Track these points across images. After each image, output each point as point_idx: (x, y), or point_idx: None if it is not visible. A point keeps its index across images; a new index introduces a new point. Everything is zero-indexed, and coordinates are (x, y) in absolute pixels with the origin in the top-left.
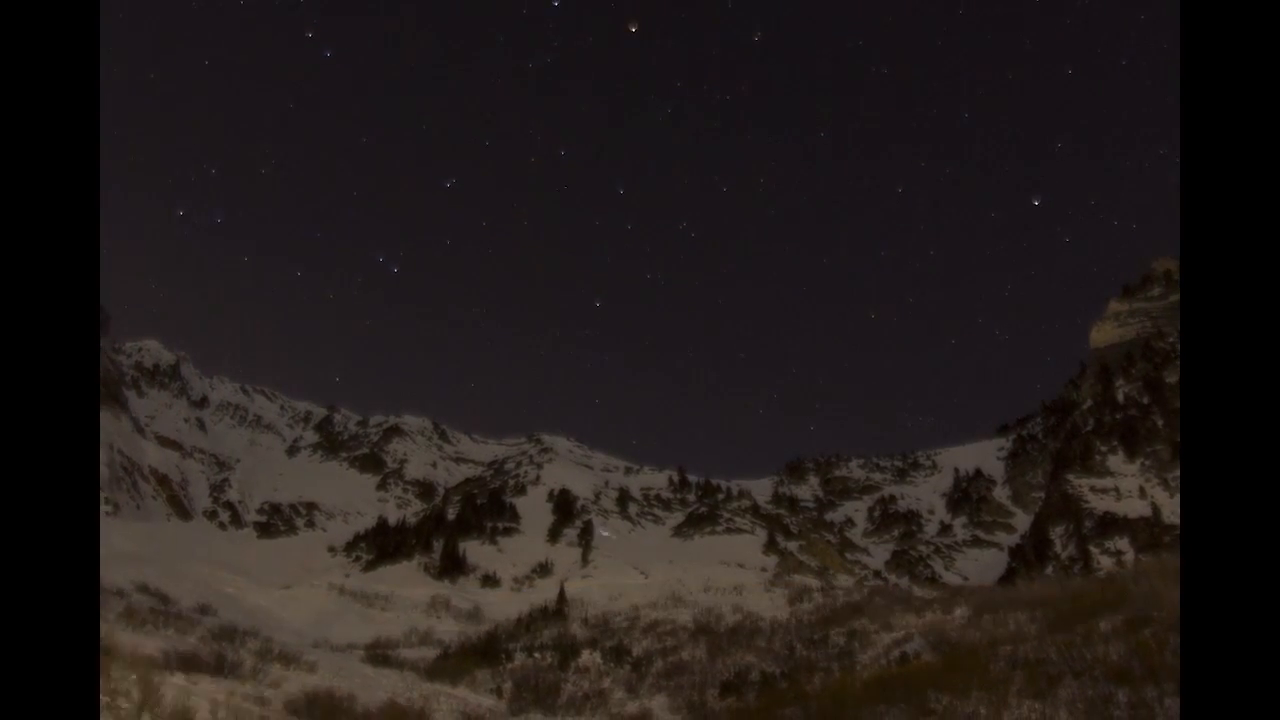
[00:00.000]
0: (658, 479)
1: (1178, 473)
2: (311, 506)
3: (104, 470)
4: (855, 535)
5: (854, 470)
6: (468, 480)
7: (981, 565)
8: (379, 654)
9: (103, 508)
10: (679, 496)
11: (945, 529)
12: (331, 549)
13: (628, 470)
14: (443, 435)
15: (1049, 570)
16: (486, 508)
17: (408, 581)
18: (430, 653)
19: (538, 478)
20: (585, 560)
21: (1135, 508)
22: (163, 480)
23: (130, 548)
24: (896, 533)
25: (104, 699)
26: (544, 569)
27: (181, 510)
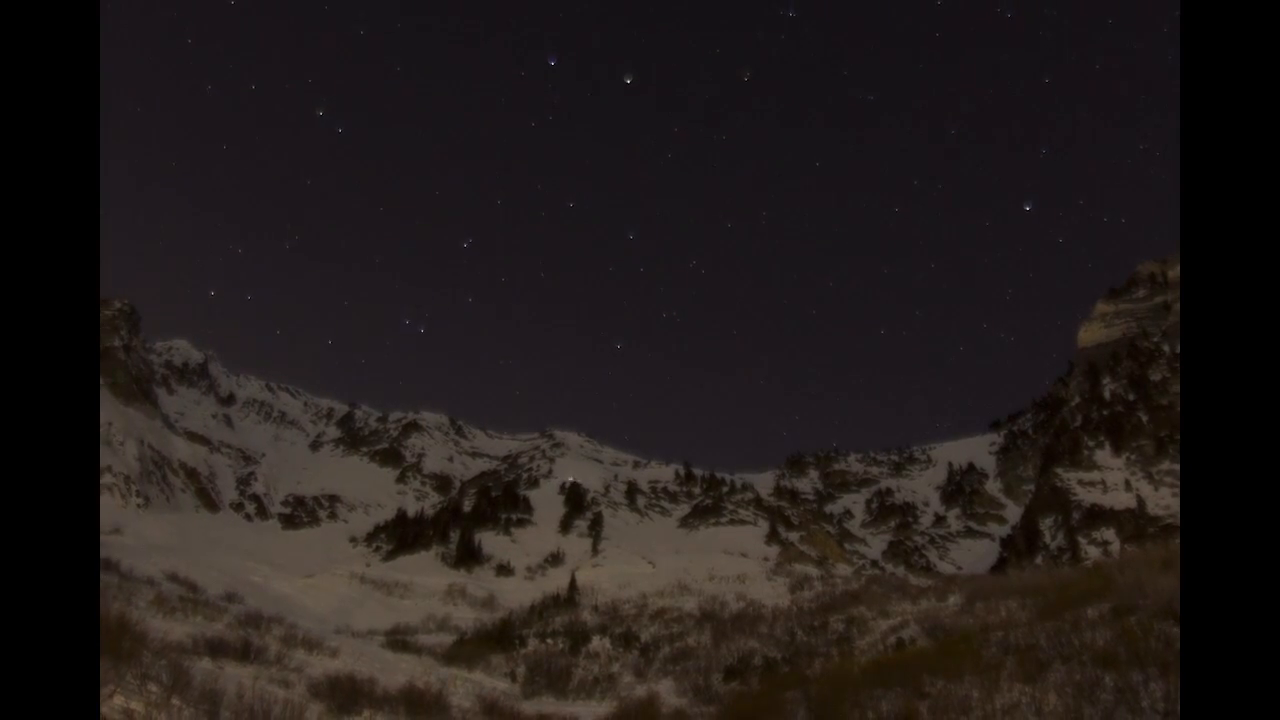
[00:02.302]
0: (664, 472)
1: (1162, 466)
2: (334, 499)
3: (135, 464)
4: (853, 526)
5: (852, 464)
6: (483, 474)
7: (974, 555)
8: (398, 640)
9: (134, 500)
10: (685, 489)
11: (939, 520)
12: (353, 539)
13: (636, 464)
14: (459, 431)
15: (1038, 560)
16: (501, 500)
17: (426, 570)
18: (447, 638)
19: (550, 471)
20: (595, 550)
21: (1121, 500)
22: (192, 474)
23: (161, 538)
24: (893, 524)
25: (134, 683)
26: (556, 559)
27: (209, 502)
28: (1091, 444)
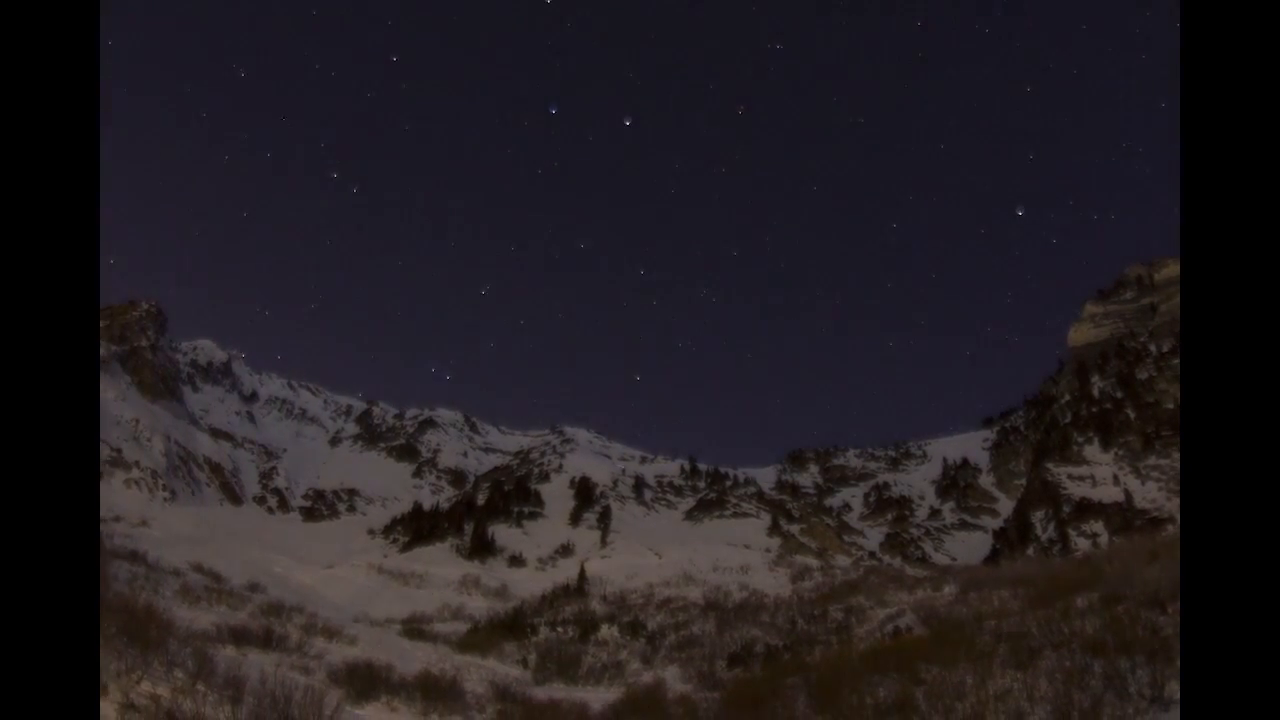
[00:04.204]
0: (670, 467)
1: (1149, 461)
2: (352, 493)
3: (162, 459)
4: (852, 519)
5: (851, 459)
6: (496, 469)
7: (968, 547)
8: (414, 628)
9: (161, 494)
10: (690, 483)
11: (935, 513)
12: (371, 532)
13: (643, 459)
14: (473, 427)
15: (1030, 551)
16: (513, 494)
17: (441, 562)
18: (461, 627)
19: (560, 466)
20: (604, 542)
21: (1109, 494)
22: (216, 469)
23: (186, 531)
24: (890, 517)
25: (161, 669)
26: (566, 550)
27: (233, 496)
28: (1081, 440)
